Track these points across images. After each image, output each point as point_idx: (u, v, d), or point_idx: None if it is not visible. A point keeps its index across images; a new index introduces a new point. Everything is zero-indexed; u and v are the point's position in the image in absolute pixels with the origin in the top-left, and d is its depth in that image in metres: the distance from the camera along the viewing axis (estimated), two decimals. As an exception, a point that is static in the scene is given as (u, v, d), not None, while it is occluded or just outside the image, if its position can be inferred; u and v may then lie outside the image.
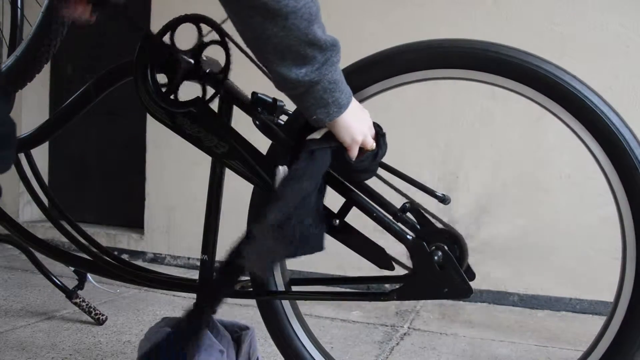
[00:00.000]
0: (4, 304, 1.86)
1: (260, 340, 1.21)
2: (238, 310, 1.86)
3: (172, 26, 0.86)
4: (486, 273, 2.05)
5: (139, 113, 2.54)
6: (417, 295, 0.90)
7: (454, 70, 0.81)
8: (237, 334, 1.01)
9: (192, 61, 0.87)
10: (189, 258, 2.64)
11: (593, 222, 1.87)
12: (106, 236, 2.81)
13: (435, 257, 0.80)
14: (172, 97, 0.87)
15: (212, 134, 0.87)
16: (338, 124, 0.77)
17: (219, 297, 0.89)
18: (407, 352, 1.55)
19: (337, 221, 0.86)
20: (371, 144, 0.82)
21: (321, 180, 0.80)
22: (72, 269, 1.56)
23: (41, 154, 3.11)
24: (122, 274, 1.08)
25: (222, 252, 0.88)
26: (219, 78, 0.88)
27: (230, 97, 0.91)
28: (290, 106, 0.86)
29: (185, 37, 0.88)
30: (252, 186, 0.92)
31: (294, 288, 1.00)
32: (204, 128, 0.87)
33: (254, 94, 0.88)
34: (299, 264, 2.30)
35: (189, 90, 0.89)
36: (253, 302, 1.04)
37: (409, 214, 0.85)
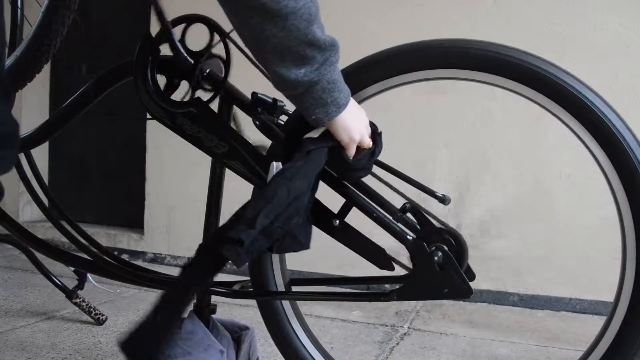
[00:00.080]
0: (4, 304, 1.86)
1: (260, 340, 1.21)
2: (238, 310, 1.86)
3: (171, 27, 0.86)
4: (486, 273, 2.05)
5: (139, 113, 2.54)
6: (417, 295, 0.90)
7: (453, 70, 0.81)
8: (237, 334, 1.01)
9: (192, 61, 0.87)
10: (189, 258, 2.64)
11: (593, 222, 1.87)
12: (106, 236, 2.81)
13: (435, 258, 0.80)
14: (171, 97, 0.87)
15: (212, 134, 0.87)
16: (336, 124, 0.78)
17: (193, 288, 0.88)
18: (407, 352, 1.55)
19: (337, 221, 0.86)
20: (368, 143, 0.82)
21: (314, 179, 0.80)
22: (72, 269, 1.56)
23: (41, 154, 3.11)
24: (122, 274, 1.08)
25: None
26: (219, 78, 0.88)
27: (230, 97, 0.91)
28: (290, 106, 0.86)
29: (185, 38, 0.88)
30: (252, 186, 0.92)
31: (294, 288, 1.00)
32: (204, 128, 0.87)
33: (254, 94, 0.88)
34: (299, 264, 2.32)
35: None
36: (253, 302, 1.05)
37: (409, 215, 0.85)
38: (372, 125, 0.84)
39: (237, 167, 0.87)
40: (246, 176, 0.87)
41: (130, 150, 2.86)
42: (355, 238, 0.87)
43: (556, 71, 0.76)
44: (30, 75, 1.22)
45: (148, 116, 0.88)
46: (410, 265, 0.84)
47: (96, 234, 2.74)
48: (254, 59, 0.76)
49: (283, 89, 0.75)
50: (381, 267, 0.86)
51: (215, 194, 0.97)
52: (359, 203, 0.86)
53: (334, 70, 0.74)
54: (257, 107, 0.87)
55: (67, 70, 3.10)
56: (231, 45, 0.86)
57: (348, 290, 2.01)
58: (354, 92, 0.82)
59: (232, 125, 0.93)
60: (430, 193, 0.85)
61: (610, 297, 0.78)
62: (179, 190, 2.63)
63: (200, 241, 0.96)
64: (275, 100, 0.88)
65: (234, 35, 0.77)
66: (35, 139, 1.14)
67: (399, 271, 0.86)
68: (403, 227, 0.84)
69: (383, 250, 0.85)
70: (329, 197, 0.87)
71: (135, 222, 2.83)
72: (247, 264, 0.85)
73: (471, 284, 0.81)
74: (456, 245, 0.82)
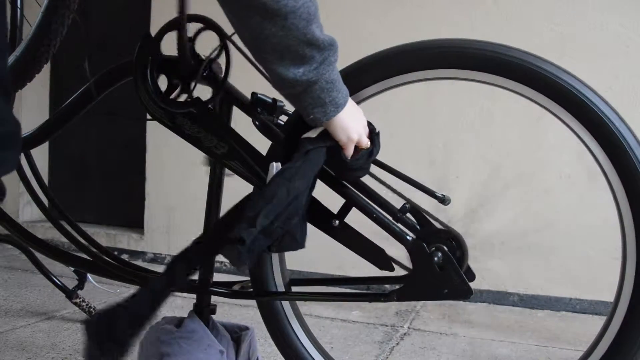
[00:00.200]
0: (4, 304, 1.86)
1: (260, 340, 1.21)
2: (238, 311, 1.86)
3: (172, 27, 0.86)
4: (486, 272, 2.05)
5: (139, 113, 2.53)
6: (417, 296, 0.90)
7: (453, 70, 0.81)
8: (237, 334, 1.01)
9: (192, 62, 0.87)
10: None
11: (593, 222, 1.87)
12: (106, 236, 2.81)
13: (435, 258, 0.80)
14: (171, 97, 0.87)
15: (212, 135, 0.87)
16: (335, 123, 0.78)
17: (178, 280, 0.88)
18: (407, 352, 1.55)
19: (337, 222, 0.86)
20: (366, 143, 0.82)
21: (312, 179, 0.80)
22: (72, 269, 1.56)
23: (41, 154, 3.11)
24: (122, 274, 1.08)
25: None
26: (219, 79, 0.88)
27: (230, 97, 0.91)
28: (290, 107, 0.86)
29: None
30: (252, 186, 0.92)
31: (294, 288, 1.00)
32: (204, 128, 0.87)
33: (253, 94, 0.88)
34: (298, 264, 2.32)
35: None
36: (253, 302, 1.05)
37: (408, 215, 0.85)
38: (370, 125, 0.84)
39: (237, 168, 0.87)
40: (245, 176, 0.87)
41: (130, 150, 2.86)
42: (355, 238, 0.87)
43: (556, 71, 0.76)
44: (30, 75, 1.22)
45: (148, 116, 0.88)
46: (410, 266, 0.84)
47: (96, 234, 2.74)
48: (253, 60, 0.76)
49: (281, 89, 0.75)
50: (381, 268, 0.86)
51: (214, 194, 0.97)
52: (359, 203, 0.86)
53: (332, 70, 0.74)
54: (257, 107, 0.87)
55: (67, 70, 3.10)
56: (231, 46, 0.86)
57: (348, 290, 2.01)
58: (353, 92, 0.82)
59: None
60: (430, 193, 0.85)
61: (610, 297, 0.78)
62: (178, 190, 2.63)
63: (200, 241, 0.96)
64: (275, 100, 0.88)
65: (234, 36, 0.77)
66: (36, 139, 1.14)
67: (398, 272, 0.86)
68: (403, 228, 0.84)
69: (383, 250, 0.85)
70: (329, 197, 0.87)
71: (135, 222, 2.83)
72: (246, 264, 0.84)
73: (471, 284, 0.81)
74: (456, 246, 0.82)
